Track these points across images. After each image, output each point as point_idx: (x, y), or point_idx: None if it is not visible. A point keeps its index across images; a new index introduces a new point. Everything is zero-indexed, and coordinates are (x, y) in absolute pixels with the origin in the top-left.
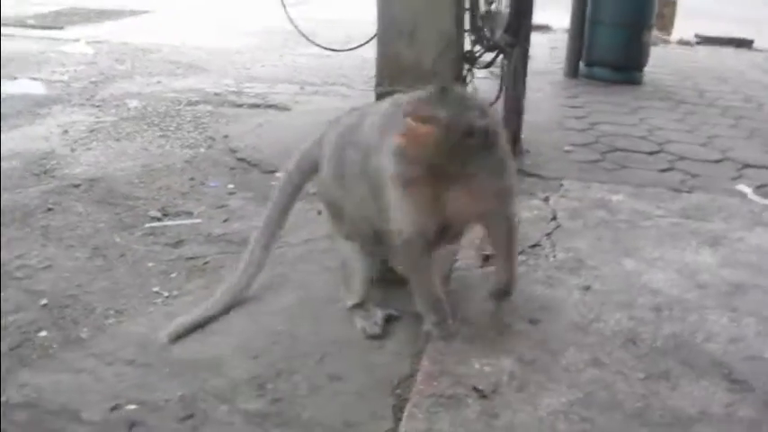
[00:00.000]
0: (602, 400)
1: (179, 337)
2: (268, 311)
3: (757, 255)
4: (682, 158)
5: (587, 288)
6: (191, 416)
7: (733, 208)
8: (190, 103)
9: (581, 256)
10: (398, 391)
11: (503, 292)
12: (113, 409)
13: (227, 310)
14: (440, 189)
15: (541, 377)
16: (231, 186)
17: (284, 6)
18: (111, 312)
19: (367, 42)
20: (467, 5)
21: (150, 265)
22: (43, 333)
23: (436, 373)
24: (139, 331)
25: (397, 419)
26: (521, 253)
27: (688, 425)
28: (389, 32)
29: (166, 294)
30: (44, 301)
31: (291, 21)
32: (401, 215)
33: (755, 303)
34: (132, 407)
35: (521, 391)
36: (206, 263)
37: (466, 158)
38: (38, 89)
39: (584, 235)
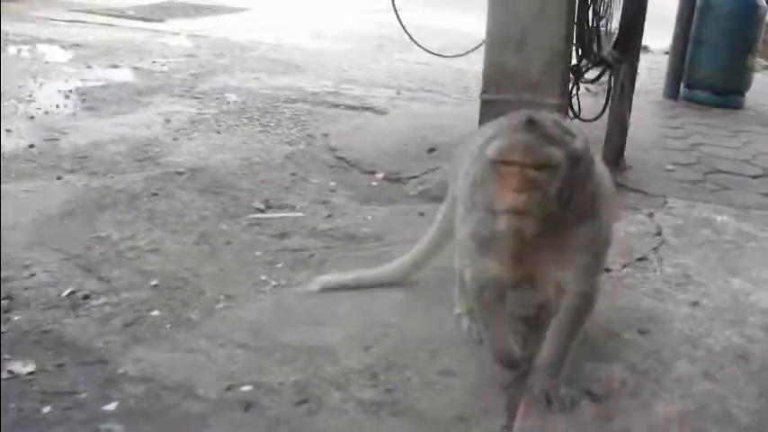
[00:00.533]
0: (716, 413)
1: (325, 289)
2: (379, 305)
3: None
4: None
5: (696, 303)
6: (305, 401)
7: None
8: (288, 101)
9: (688, 272)
10: (510, 389)
11: (543, 376)
12: (228, 388)
13: (376, 284)
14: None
15: (654, 385)
16: (333, 184)
17: (397, 14)
18: (221, 297)
19: (475, 49)
20: (575, 20)
21: (257, 254)
22: (155, 312)
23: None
24: (250, 317)
25: (512, 416)
26: (627, 266)
27: None
28: (498, 41)
29: (274, 284)
30: (154, 282)
31: (404, 28)
32: (470, 260)
33: None
34: (247, 388)
35: (634, 398)
36: (311, 255)
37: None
38: (136, 78)
39: (690, 252)
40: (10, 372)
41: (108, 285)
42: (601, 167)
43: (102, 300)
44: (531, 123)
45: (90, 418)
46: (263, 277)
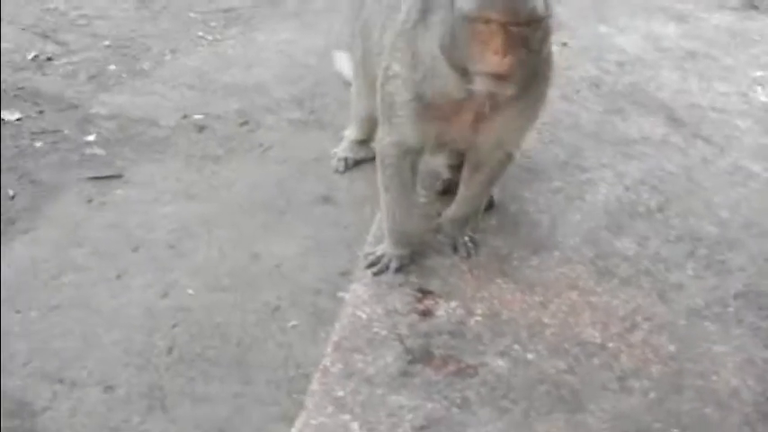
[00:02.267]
0: (568, 124)
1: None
2: (300, 50)
3: (714, 31)
4: None
5: (565, 44)
6: (246, 122)
7: None
8: None
9: (563, 19)
10: None
11: (453, 225)
12: (183, 117)
13: None
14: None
15: None
16: None
17: None
18: (166, 51)
19: None
20: None
21: (191, 15)
22: (112, 67)
23: None
24: (193, 65)
25: None
26: None
27: (631, 144)
28: None
29: (210, 38)
30: (107, 43)
31: None
32: (401, 123)
33: (703, 67)
34: (198, 116)
35: None
36: (240, 14)
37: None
38: None
39: (567, 3)
40: (1, 119)
41: (66, 48)
42: None
43: (64, 60)
44: None
45: (75, 147)
46: (200, 33)
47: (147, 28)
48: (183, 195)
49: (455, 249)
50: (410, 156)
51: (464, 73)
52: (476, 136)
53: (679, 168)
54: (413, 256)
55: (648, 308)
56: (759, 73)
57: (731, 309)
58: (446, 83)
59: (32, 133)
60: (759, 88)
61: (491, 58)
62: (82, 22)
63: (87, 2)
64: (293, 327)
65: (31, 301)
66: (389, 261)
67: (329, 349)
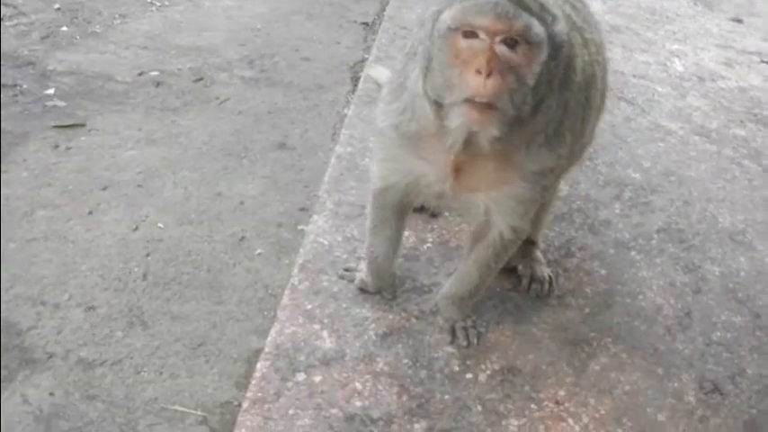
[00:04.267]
0: None
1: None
2: (246, 15)
3: (636, 9)
4: None
5: None
6: (201, 79)
7: None
8: None
9: None
10: (355, 69)
11: (449, 305)
12: (140, 74)
13: None
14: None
15: None
16: None
17: None
18: (116, 15)
19: None
20: None
21: None
22: (64, 28)
23: None
24: (144, 28)
25: (355, 84)
26: None
27: None
28: None
29: (158, 4)
30: (57, 6)
31: None
32: (384, 155)
33: (626, 39)
34: (154, 73)
35: None
36: None
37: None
38: None
39: None
40: None
41: (16, 10)
42: (585, 71)
43: (15, 21)
44: None
45: (35, 99)
46: (149, 0)
47: None
48: (145, 141)
49: (453, 334)
50: (393, 195)
51: (440, 105)
52: (458, 188)
53: (606, 125)
54: (377, 289)
55: (580, 239)
56: (676, 46)
57: (654, 241)
58: (423, 115)
59: None
60: (676, 59)
61: (471, 79)
62: None
63: None
64: (259, 254)
65: (9, 235)
66: (356, 279)
67: (296, 270)
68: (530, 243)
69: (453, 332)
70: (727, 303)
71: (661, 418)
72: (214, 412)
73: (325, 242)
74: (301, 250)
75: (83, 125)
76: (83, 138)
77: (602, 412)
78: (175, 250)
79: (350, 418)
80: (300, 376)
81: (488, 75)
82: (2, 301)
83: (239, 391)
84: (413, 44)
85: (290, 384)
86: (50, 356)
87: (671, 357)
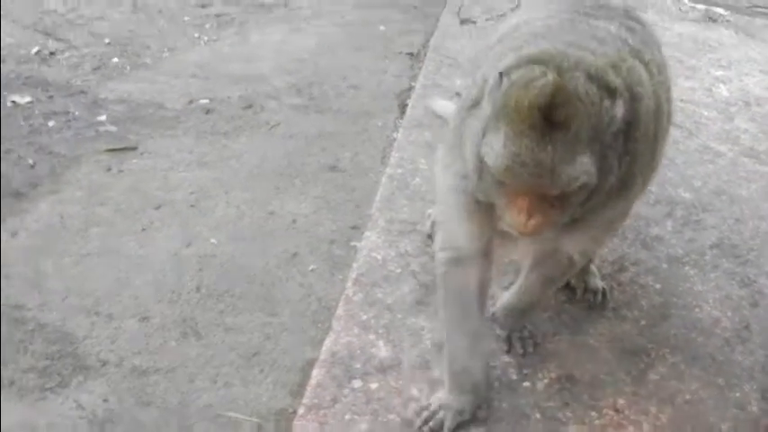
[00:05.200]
0: None
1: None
2: (294, 47)
3: (678, 38)
4: None
5: None
6: (250, 106)
7: None
8: None
9: None
10: (402, 96)
11: (508, 316)
12: (190, 102)
13: None
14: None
15: None
16: None
17: None
18: (165, 49)
19: None
20: None
21: (186, 18)
22: (114, 60)
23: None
24: (193, 59)
25: (402, 111)
26: None
27: None
28: None
29: (206, 38)
30: (107, 41)
31: None
32: (450, 226)
33: (671, 67)
34: (204, 101)
35: None
36: (233, 18)
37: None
38: None
39: None
40: (12, 102)
41: (68, 44)
42: (650, 107)
43: (67, 54)
44: (551, 111)
45: (88, 125)
46: (196, 35)
47: (145, 29)
48: (197, 164)
49: (509, 344)
50: (465, 267)
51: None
52: (528, 246)
53: None
54: (475, 411)
55: (633, 255)
56: (720, 72)
57: (708, 257)
58: (485, 187)
59: (44, 114)
60: (722, 85)
61: (514, 215)
62: (80, 21)
63: (84, 5)
64: (312, 270)
65: (63, 250)
66: (444, 417)
67: (349, 283)
68: None
69: (510, 341)
70: None
71: (724, 427)
72: (269, 419)
73: (379, 257)
74: (354, 264)
75: (134, 148)
76: (134, 161)
77: (664, 420)
78: (228, 265)
79: (407, 424)
80: (357, 383)
81: (528, 218)
82: (58, 313)
83: (294, 399)
84: (466, 96)
85: (346, 391)
86: (104, 364)
87: (731, 368)
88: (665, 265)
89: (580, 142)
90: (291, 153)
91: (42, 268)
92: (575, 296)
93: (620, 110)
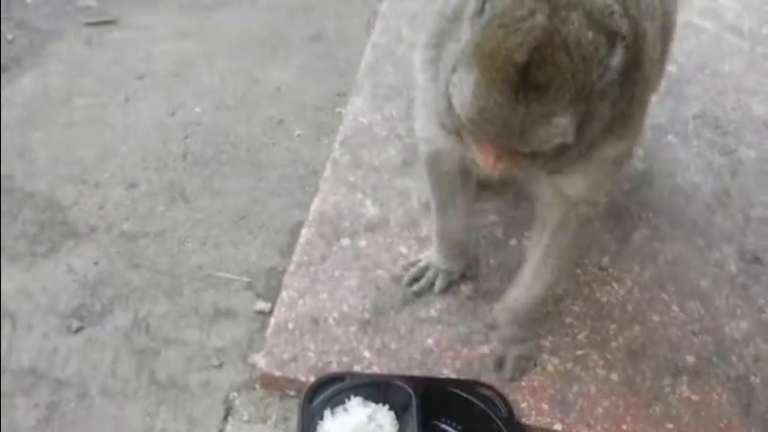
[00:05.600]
0: None
1: None
2: None
3: None
4: None
5: None
6: None
7: None
8: None
9: None
10: None
11: (509, 322)
12: None
13: None
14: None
15: None
16: None
17: None
18: None
19: None
20: None
21: None
22: None
23: None
24: None
25: None
26: None
27: None
28: None
29: None
30: None
31: None
32: (426, 122)
33: None
34: None
35: None
36: None
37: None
38: None
39: None
40: None
41: None
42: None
43: None
44: (531, 70)
45: (66, 0)
46: None
47: None
48: (179, 36)
49: (499, 365)
50: (448, 162)
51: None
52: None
53: None
54: (464, 270)
55: None
56: None
57: (690, 127)
58: (453, 119)
59: None
60: None
61: (480, 157)
62: None
63: None
64: (298, 135)
65: (48, 121)
66: (435, 277)
67: (336, 145)
68: None
69: (500, 361)
70: (764, 184)
71: (703, 284)
72: (259, 278)
73: (365, 121)
74: (341, 128)
75: (115, 22)
76: (115, 33)
77: (646, 278)
78: (214, 132)
79: (396, 280)
80: (345, 241)
81: (496, 162)
82: (45, 181)
83: (283, 258)
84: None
85: (335, 248)
86: (93, 230)
87: (711, 231)
88: (648, 134)
89: (560, 103)
90: (274, 24)
91: (28, 139)
92: None
93: (618, 59)
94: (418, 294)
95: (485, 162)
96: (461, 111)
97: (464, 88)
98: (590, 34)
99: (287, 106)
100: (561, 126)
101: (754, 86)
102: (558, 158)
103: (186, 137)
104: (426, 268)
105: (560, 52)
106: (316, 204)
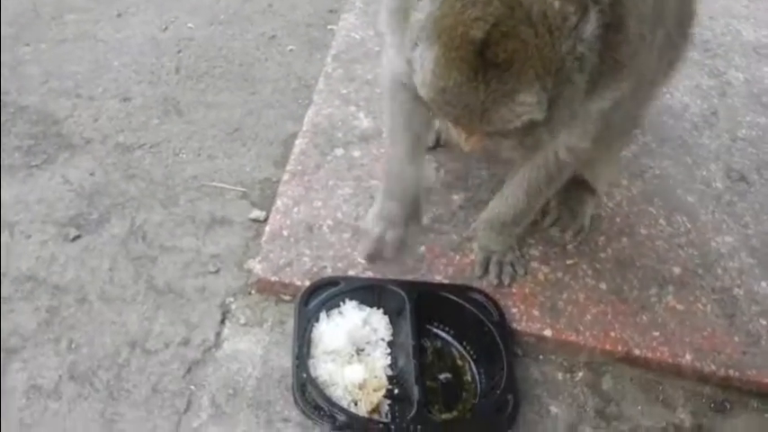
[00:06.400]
0: None
1: None
2: None
3: None
4: None
5: None
6: None
7: None
8: None
9: None
10: None
11: (488, 231)
12: None
13: None
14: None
15: None
16: None
17: None
18: None
19: None
20: None
21: None
22: None
23: None
24: None
25: None
26: None
27: None
28: None
29: None
30: None
31: None
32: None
33: None
34: None
35: None
36: None
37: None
38: None
39: None
40: None
41: None
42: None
43: None
44: (489, 47)
45: None
46: None
47: None
48: None
49: (485, 269)
50: (412, 93)
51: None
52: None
53: None
54: (408, 221)
55: None
56: None
57: None
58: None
59: None
60: None
61: (455, 135)
62: None
63: None
64: (291, 50)
65: (39, 36)
66: (383, 232)
67: (329, 60)
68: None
69: (486, 266)
70: (751, 106)
71: (690, 199)
72: (254, 188)
73: (357, 36)
74: (334, 43)
75: None
76: None
77: (634, 192)
78: (207, 47)
79: None
80: (339, 151)
81: (466, 138)
82: (37, 96)
83: (277, 169)
84: None
85: (329, 158)
86: (88, 142)
87: (698, 149)
88: None
89: (524, 80)
90: None
91: (19, 55)
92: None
93: (590, 26)
94: (371, 260)
95: (457, 138)
96: (422, 90)
97: (425, 64)
98: (557, 4)
99: (279, 22)
100: (527, 104)
101: (745, 12)
102: (532, 134)
103: (179, 51)
104: (376, 238)
105: (523, 26)
106: (309, 116)
